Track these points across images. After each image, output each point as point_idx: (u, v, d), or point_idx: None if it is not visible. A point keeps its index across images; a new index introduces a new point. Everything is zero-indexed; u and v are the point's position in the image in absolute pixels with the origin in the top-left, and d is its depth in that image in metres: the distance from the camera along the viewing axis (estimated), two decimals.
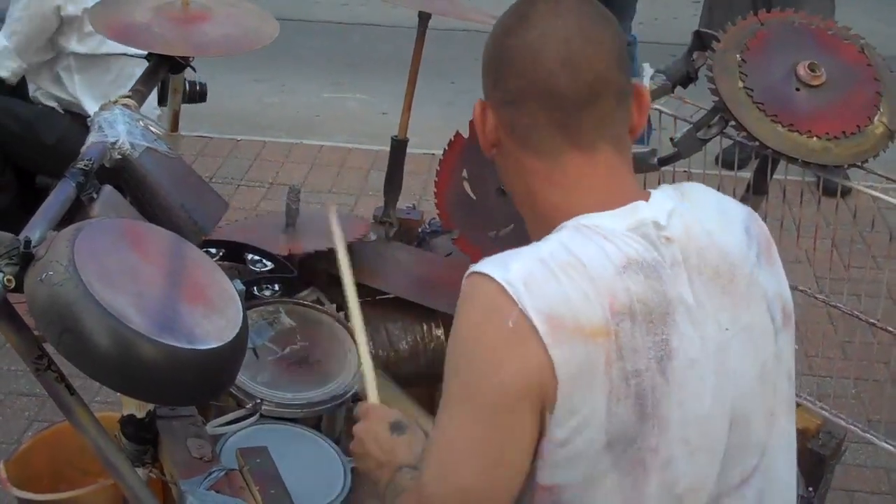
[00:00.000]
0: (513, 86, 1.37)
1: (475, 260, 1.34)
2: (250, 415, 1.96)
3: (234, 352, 1.62)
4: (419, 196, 4.48)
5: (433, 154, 4.72)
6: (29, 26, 3.55)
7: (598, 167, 1.37)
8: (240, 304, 1.69)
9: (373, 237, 2.40)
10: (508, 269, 1.28)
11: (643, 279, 1.30)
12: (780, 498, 1.44)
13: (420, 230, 2.54)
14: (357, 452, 1.58)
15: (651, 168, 2.22)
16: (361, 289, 2.33)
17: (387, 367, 2.27)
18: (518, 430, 1.27)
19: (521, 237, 1.43)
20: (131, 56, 3.45)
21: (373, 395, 1.66)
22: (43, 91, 3.73)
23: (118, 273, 1.58)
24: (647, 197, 1.38)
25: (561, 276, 1.28)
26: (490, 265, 1.30)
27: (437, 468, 1.32)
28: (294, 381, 2.05)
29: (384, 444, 1.52)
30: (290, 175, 4.79)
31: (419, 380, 2.30)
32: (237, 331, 1.62)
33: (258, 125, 5.39)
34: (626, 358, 1.28)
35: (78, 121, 3.63)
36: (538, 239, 1.37)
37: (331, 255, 2.20)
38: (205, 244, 2.12)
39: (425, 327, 2.31)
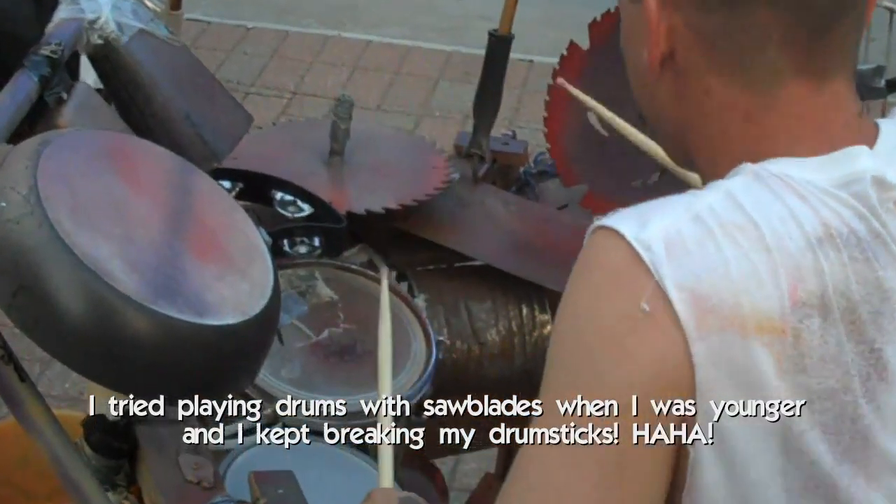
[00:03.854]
0: None
1: None
2: (269, 424, 1.98)
3: (260, 331, 1.64)
4: (509, 120, 4.48)
5: (531, 61, 4.74)
6: None
7: (824, 101, 1.36)
8: (270, 261, 1.72)
9: (455, 177, 2.39)
10: (647, 225, 1.29)
11: (847, 260, 1.29)
12: None
13: (522, 170, 2.54)
14: None
15: (874, 94, 2.20)
16: (436, 250, 2.35)
17: (467, 365, 2.29)
18: (648, 456, 1.26)
19: (680, 185, 1.41)
20: None
21: (387, 476, 1.73)
22: None
23: (99, 209, 1.60)
24: (872, 138, 1.37)
25: (722, 241, 1.27)
26: (622, 219, 1.31)
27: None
28: (332, 379, 2.08)
29: None
30: (320, 82, 4.82)
31: (513, 386, 2.29)
32: (266, 300, 1.64)
33: (277, 7, 5.42)
34: (811, 371, 1.27)
35: None
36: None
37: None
38: (217, 174, 2.13)
39: (525, 311, 2.32)
